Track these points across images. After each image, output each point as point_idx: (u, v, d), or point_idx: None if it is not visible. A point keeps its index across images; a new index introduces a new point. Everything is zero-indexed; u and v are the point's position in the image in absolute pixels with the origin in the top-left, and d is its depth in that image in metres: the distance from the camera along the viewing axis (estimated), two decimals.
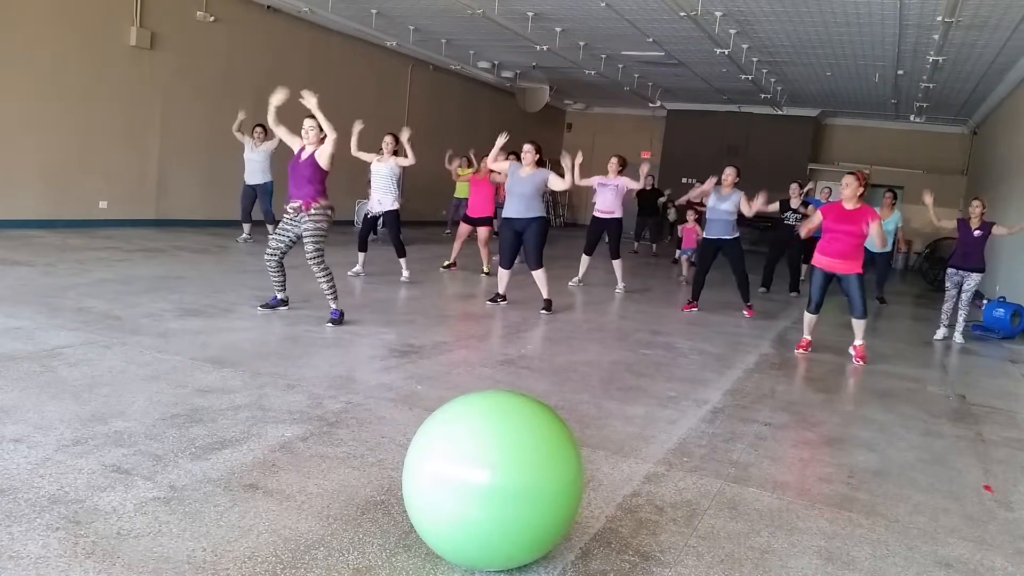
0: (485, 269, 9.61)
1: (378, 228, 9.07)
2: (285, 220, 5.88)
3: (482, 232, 9.66)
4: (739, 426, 4.23)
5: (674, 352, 6.10)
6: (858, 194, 6.13)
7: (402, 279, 8.24)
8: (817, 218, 6.47)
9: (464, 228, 9.77)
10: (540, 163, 7.19)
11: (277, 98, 5.79)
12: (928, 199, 7.99)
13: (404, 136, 8.23)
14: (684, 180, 13.51)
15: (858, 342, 6.36)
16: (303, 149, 5.86)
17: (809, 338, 6.58)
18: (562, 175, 7.15)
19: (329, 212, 5.84)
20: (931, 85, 12.96)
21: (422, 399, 4.12)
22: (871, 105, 16.68)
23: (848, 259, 6.16)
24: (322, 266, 5.79)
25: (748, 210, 7.82)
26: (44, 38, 9.47)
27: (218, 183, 11.87)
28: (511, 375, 4.90)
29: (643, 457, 3.57)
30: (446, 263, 9.74)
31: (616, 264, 9.12)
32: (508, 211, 7.21)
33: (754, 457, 3.73)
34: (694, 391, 4.90)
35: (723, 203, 7.78)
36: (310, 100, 5.66)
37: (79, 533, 2.37)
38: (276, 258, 5.92)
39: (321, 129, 5.74)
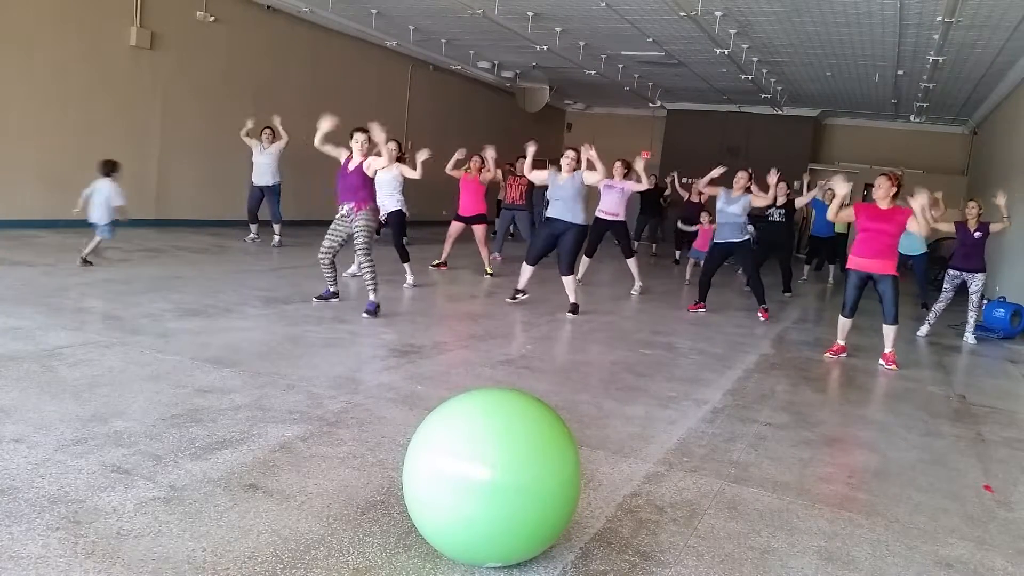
0: (488, 270, 9.53)
1: (380, 230, 9.04)
2: (337, 221, 6.37)
3: (479, 231, 9.61)
4: (739, 426, 4.23)
5: (674, 352, 6.10)
6: (891, 195, 6.10)
7: (406, 285, 8.11)
8: (842, 190, 6.31)
9: (455, 227, 9.74)
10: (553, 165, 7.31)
11: (326, 125, 6.25)
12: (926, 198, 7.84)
13: (421, 156, 7.81)
14: (684, 180, 13.48)
15: (887, 349, 6.24)
16: (349, 159, 6.32)
17: (842, 343, 6.44)
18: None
19: (376, 210, 6.57)
20: (931, 85, 12.94)
21: (422, 399, 4.12)
22: (871, 105, 16.66)
23: (883, 258, 6.07)
24: (369, 257, 6.28)
25: (766, 198, 8.00)
26: (44, 38, 9.47)
27: (218, 183, 11.86)
28: (511, 375, 4.90)
29: (643, 457, 3.57)
30: (435, 262, 9.73)
31: (631, 263, 9.08)
32: (552, 212, 7.38)
33: (754, 457, 3.73)
34: (694, 391, 4.90)
35: (731, 205, 7.75)
36: (378, 133, 6.24)
37: (79, 533, 2.38)
38: (330, 256, 6.44)
39: (370, 142, 6.34)
